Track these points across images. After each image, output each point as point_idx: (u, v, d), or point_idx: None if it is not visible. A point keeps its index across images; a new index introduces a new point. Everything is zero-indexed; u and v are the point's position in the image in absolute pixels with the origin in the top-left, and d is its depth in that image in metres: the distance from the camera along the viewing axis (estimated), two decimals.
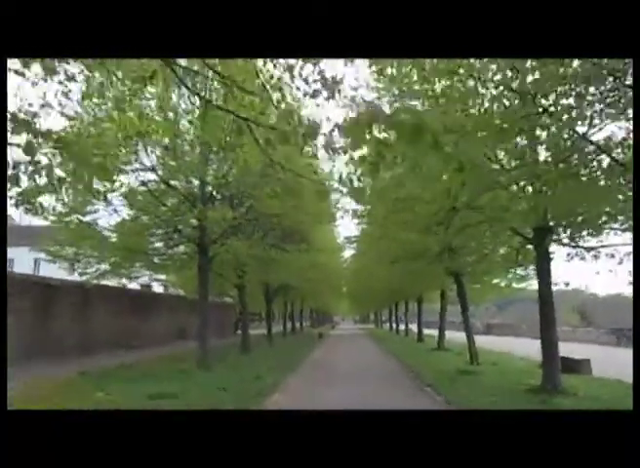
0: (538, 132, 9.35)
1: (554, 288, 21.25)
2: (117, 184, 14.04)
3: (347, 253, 39.90)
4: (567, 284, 13.40)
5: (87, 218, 15.13)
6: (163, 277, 24.80)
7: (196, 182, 15.70)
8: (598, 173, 9.03)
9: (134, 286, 32.07)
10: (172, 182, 14.97)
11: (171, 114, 13.81)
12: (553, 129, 8.72)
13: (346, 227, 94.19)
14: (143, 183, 15.01)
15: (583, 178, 9.16)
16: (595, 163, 9.05)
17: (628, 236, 10.89)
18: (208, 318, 15.96)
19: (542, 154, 10.06)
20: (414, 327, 45.90)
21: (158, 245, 17.32)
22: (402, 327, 49.06)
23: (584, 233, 11.76)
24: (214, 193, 16.14)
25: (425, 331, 36.14)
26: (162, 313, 28.93)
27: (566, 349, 24.10)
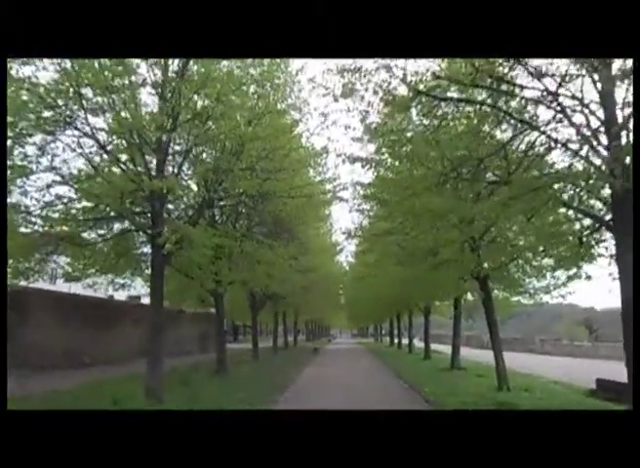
0: None
1: (553, 301, 17.32)
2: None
3: (342, 256, 36.26)
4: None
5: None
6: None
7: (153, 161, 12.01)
8: None
9: (118, 296, 28.58)
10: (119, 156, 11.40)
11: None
12: None
13: (343, 222, 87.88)
14: (81, 154, 11.39)
15: None
16: None
17: None
18: (161, 330, 12.12)
19: None
20: (414, 341, 42.31)
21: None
22: (404, 340, 45.25)
23: None
24: (171, 167, 12.42)
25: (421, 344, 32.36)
26: (126, 325, 24.97)
27: (604, 368, 20.64)
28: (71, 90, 9.95)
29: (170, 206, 14.28)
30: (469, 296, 21.12)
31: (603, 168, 7.47)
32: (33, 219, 11.53)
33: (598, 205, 8.75)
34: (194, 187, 14.54)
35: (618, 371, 15.13)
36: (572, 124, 7.95)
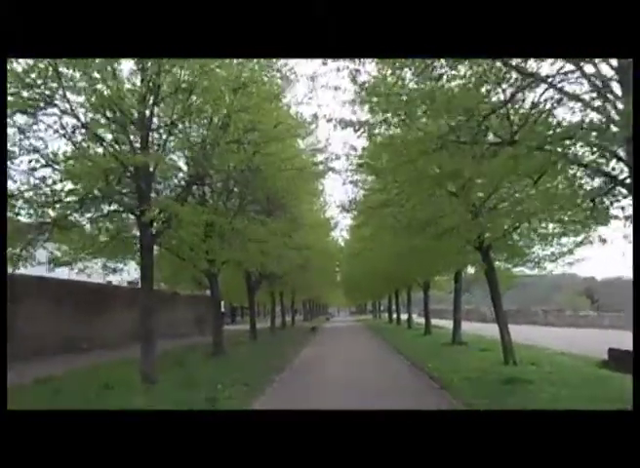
0: None
1: (557, 271, 16.67)
2: None
3: (337, 232, 35.65)
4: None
5: None
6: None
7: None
8: None
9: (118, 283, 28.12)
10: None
11: None
12: None
13: (337, 196, 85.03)
14: (63, 135, 10.78)
15: None
16: None
17: None
18: (152, 312, 11.57)
19: None
20: (413, 316, 42.08)
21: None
22: (403, 316, 44.99)
23: None
24: (156, 146, 11.72)
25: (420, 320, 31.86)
26: (124, 310, 24.41)
27: (612, 338, 20.05)
28: (50, 68, 9.36)
29: (158, 186, 13.67)
30: (469, 269, 20.71)
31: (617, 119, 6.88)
32: (17, 204, 10.95)
33: (611, 164, 8.15)
34: (183, 166, 13.94)
35: (627, 341, 14.72)
36: (583, 74, 7.35)
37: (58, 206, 11.51)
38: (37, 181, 11.09)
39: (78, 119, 10.45)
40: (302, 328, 43.00)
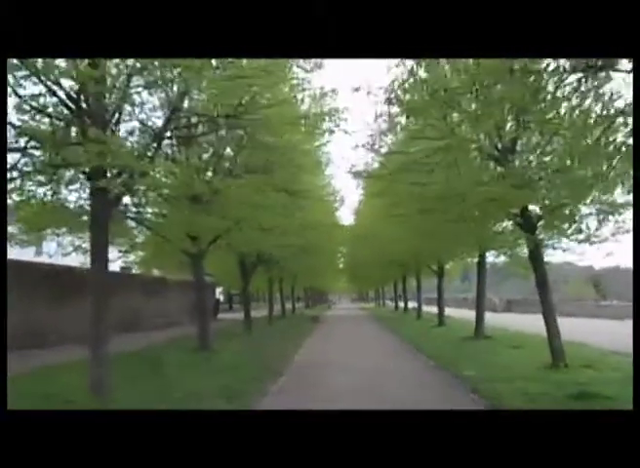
0: None
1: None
2: None
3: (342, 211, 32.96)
4: None
5: None
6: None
7: None
8: None
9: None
10: None
11: None
12: None
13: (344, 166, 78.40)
14: None
15: None
16: None
17: None
18: (103, 304, 8.95)
19: None
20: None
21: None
22: (408, 304, 43.28)
23: None
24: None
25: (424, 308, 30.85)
26: (107, 298, 21.56)
27: None
28: None
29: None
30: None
31: None
32: None
33: None
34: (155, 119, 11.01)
35: None
36: None
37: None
38: None
39: None
40: (303, 316, 40.36)
